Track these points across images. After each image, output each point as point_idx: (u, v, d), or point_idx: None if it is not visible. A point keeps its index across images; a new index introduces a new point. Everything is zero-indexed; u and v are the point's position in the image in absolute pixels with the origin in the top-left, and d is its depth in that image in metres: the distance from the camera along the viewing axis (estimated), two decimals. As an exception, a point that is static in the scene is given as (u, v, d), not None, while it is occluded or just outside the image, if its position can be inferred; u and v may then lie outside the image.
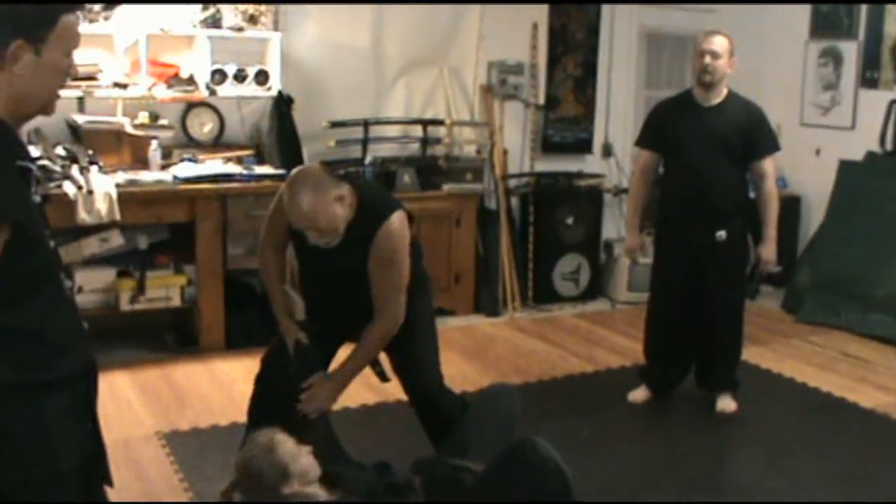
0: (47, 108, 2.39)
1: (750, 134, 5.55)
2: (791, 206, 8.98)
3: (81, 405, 2.49)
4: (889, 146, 8.16)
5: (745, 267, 5.74)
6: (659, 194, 5.84)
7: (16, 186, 2.28)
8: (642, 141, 5.86)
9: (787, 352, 7.07)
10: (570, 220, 8.19)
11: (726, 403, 5.77)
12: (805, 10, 8.90)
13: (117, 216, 6.05)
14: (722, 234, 5.52)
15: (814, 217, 8.75)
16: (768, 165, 5.60)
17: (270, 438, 3.56)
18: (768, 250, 5.62)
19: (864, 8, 8.41)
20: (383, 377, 4.41)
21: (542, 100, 8.36)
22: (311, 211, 3.86)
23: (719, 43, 5.51)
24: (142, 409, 5.61)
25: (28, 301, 2.32)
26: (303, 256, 4.26)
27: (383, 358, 4.35)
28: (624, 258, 7.82)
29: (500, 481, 3.73)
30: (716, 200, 5.50)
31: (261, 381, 4.38)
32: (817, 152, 8.88)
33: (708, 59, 5.47)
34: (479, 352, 6.86)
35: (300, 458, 3.54)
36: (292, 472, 3.48)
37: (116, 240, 6.34)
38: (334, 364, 4.31)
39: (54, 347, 2.38)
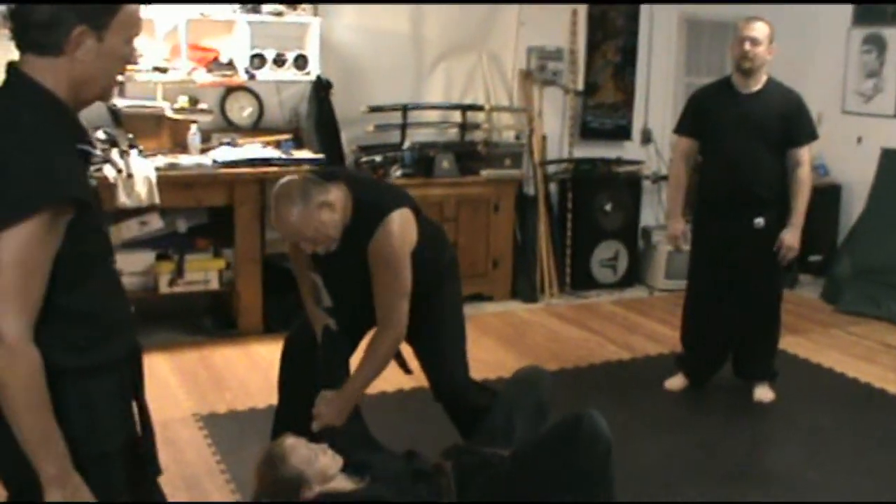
0: (106, 93, 2.42)
1: (789, 121, 5.50)
2: (831, 195, 8.92)
3: (127, 388, 2.53)
4: (932, 135, 8.08)
5: (774, 255, 5.68)
6: (697, 181, 5.81)
7: (79, 168, 2.31)
8: (681, 128, 5.82)
9: (827, 342, 7.03)
10: (608, 207, 8.17)
11: (763, 393, 5.76)
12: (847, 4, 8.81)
13: (157, 199, 6.09)
14: (760, 221, 5.48)
15: (854, 206, 8.68)
16: (805, 153, 5.55)
17: (282, 448, 3.57)
18: (792, 236, 5.55)
19: (909, -6, 8.33)
20: (405, 369, 4.37)
21: (580, 86, 8.34)
22: (297, 223, 3.73)
23: (760, 29, 5.45)
24: (180, 391, 5.65)
25: (85, 284, 2.34)
26: (314, 257, 4.17)
27: (405, 348, 4.26)
28: (663, 245, 7.80)
29: (547, 453, 3.68)
30: (754, 188, 5.47)
31: (285, 361, 4.38)
32: (859, 140, 8.80)
33: (748, 46, 5.42)
34: (515, 338, 6.86)
35: (316, 459, 3.54)
36: (310, 477, 3.49)
37: (156, 223, 6.37)
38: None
39: (107, 330, 2.41)
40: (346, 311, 4.28)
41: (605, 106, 8.49)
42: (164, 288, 6.52)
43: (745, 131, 5.45)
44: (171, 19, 6.48)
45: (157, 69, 6.46)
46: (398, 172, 7.20)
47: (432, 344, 4.26)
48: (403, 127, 7.36)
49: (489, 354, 6.32)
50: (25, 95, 2.27)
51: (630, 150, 8.61)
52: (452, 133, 7.74)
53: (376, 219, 3.84)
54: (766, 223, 5.49)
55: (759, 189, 5.48)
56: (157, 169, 6.17)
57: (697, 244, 5.81)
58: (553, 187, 8.22)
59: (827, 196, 8.91)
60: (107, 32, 2.28)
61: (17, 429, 2.23)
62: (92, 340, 2.36)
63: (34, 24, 2.23)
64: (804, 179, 5.52)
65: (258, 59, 6.70)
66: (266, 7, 6.75)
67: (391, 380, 5.23)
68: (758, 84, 5.52)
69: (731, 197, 5.52)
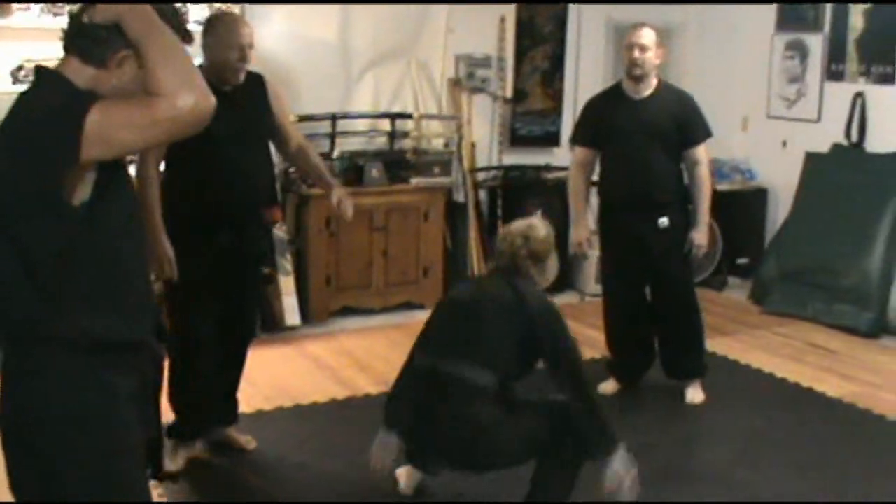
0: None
1: (683, 122, 5.63)
2: (758, 198, 9.04)
3: (149, 390, 2.65)
4: (854, 138, 8.21)
5: (687, 252, 5.75)
6: (599, 187, 5.93)
7: None
8: (576, 139, 5.96)
9: (755, 343, 7.11)
10: (538, 213, 8.19)
11: (695, 394, 5.82)
12: (772, 4, 8.94)
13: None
14: (664, 220, 5.59)
15: (780, 209, 8.80)
16: (702, 152, 5.67)
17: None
18: (700, 234, 5.66)
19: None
20: None
21: (509, 93, 8.37)
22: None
23: (647, 36, 5.56)
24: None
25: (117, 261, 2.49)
26: None
27: None
28: (593, 250, 7.85)
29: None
30: (654, 189, 5.58)
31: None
32: (784, 144, 8.92)
33: (637, 53, 5.53)
34: (448, 345, 6.84)
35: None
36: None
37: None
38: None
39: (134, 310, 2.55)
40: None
41: (534, 112, 8.52)
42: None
43: (641, 136, 5.56)
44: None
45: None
46: (328, 181, 7.17)
47: None
48: (332, 136, 7.34)
49: (422, 362, 6.32)
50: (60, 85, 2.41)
51: (559, 156, 8.64)
52: (381, 141, 7.74)
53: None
54: (670, 221, 5.60)
55: (659, 191, 5.59)
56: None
57: (606, 249, 5.94)
58: (483, 194, 8.24)
59: (753, 199, 9.03)
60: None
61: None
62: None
63: (91, 36, 2.40)
64: (703, 178, 5.64)
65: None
66: (193, 17, 6.68)
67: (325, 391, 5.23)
68: (649, 89, 5.63)
69: (632, 201, 5.62)
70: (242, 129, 4.49)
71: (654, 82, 5.63)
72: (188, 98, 2.26)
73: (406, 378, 4.25)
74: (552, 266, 4.35)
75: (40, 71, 2.47)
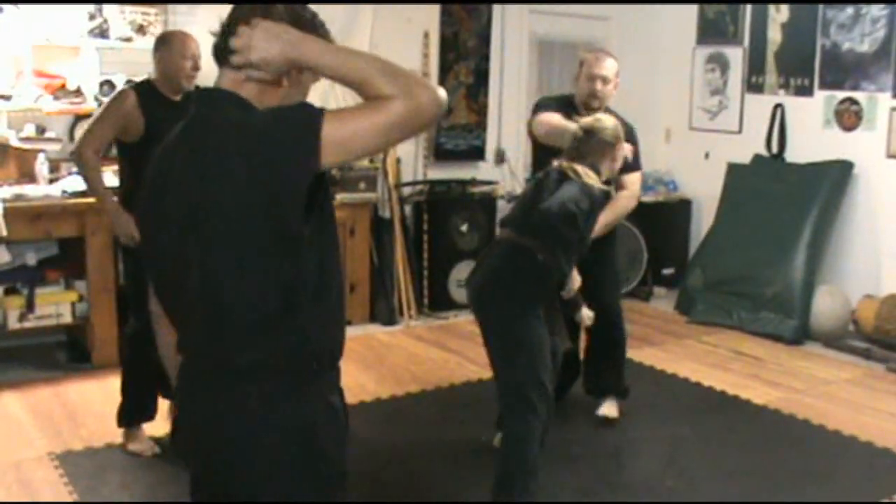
0: None
1: None
2: (681, 209, 9.16)
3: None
4: (775, 149, 8.34)
5: (616, 270, 5.69)
6: None
7: None
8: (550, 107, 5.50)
9: (681, 352, 7.18)
10: (464, 228, 8.21)
11: (609, 408, 5.71)
12: (692, 17, 9.08)
13: (3, 232, 5.91)
14: None
15: (704, 219, 8.91)
16: (628, 180, 5.46)
17: None
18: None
19: (748, 14, 8.61)
20: None
21: (434, 107, 8.35)
22: None
23: (610, 67, 5.44)
24: (33, 430, 5.47)
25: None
26: None
27: None
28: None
29: None
30: None
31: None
32: (706, 156, 9.05)
33: (599, 86, 5.41)
34: (375, 361, 6.83)
35: None
36: None
37: (3, 256, 6.20)
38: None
39: None
40: None
41: (459, 127, 8.54)
42: (13, 324, 6.33)
43: None
44: (15, 44, 6.32)
45: (0, 96, 6.29)
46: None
47: None
48: (257, 152, 7.29)
49: (349, 379, 6.23)
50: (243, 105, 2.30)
51: (484, 170, 8.67)
52: (307, 157, 7.70)
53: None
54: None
55: None
56: (4, 200, 5.99)
57: None
58: (409, 209, 8.23)
59: (677, 210, 9.14)
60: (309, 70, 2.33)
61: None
62: None
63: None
64: (619, 199, 5.37)
65: (107, 86, 6.55)
66: (114, 32, 6.63)
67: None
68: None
69: None
70: None
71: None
72: (423, 93, 2.13)
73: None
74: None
75: (207, 92, 2.37)
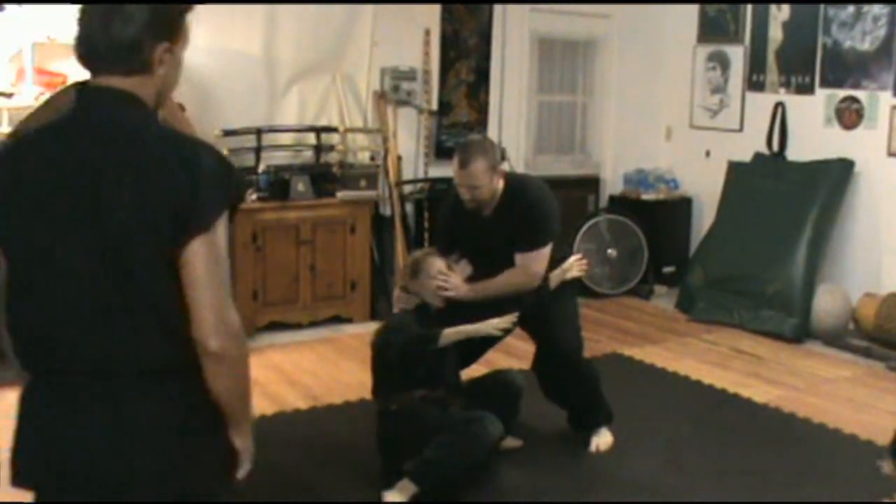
0: (167, 100, 2.53)
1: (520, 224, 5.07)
2: (682, 207, 9.15)
3: None
4: (775, 147, 8.33)
5: (576, 306, 5.41)
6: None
7: None
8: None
9: (682, 350, 7.18)
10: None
11: (602, 440, 5.35)
12: (693, 16, 9.07)
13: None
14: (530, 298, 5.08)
15: (705, 217, 8.91)
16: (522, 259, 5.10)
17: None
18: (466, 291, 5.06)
19: (749, 13, 8.60)
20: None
21: (435, 105, 8.37)
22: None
23: (474, 174, 4.92)
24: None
25: None
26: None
27: None
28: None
29: None
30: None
31: None
32: (707, 154, 9.05)
33: (467, 195, 5.01)
34: (377, 358, 6.81)
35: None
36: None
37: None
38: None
39: None
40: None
41: (460, 125, 8.53)
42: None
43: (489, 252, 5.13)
44: (16, 42, 6.31)
45: (1, 94, 6.28)
46: (253, 196, 7.12)
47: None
48: (258, 150, 7.29)
49: (350, 377, 6.26)
50: (145, 109, 2.32)
51: (485, 168, 8.66)
52: (307, 155, 7.70)
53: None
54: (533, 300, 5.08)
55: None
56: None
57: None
58: (409, 207, 8.22)
59: (678, 208, 9.13)
60: (177, 45, 2.37)
61: (243, 412, 2.40)
62: None
63: (119, 48, 2.27)
64: (520, 271, 5.04)
65: (107, 84, 6.54)
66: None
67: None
68: (492, 207, 5.10)
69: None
70: None
71: (496, 199, 5.07)
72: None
73: None
74: None
75: (105, 91, 2.30)
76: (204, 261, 2.17)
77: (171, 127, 2.36)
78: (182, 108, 6.68)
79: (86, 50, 2.31)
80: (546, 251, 5.04)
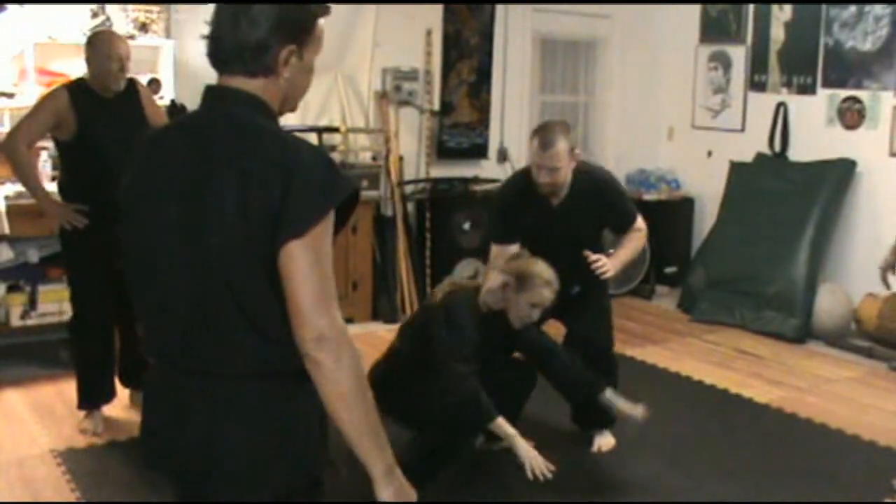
0: (296, 106, 2.50)
1: (606, 212, 5.20)
2: (684, 207, 9.15)
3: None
4: (777, 147, 8.34)
5: (610, 303, 5.47)
6: None
7: None
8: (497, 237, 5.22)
9: (683, 350, 7.18)
10: (466, 226, 8.20)
11: (604, 441, 5.39)
12: (695, 16, 9.07)
13: (6, 229, 5.92)
14: (577, 288, 5.13)
15: (706, 217, 8.91)
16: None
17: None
18: (611, 262, 5.00)
19: (751, 13, 8.60)
20: None
21: (436, 105, 8.37)
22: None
23: (556, 155, 4.80)
24: (36, 427, 5.47)
25: None
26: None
27: None
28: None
29: None
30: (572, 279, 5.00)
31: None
32: (709, 154, 9.05)
33: (546, 178, 4.88)
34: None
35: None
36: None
37: (5, 253, 6.19)
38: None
39: None
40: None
41: (462, 125, 8.54)
42: (15, 321, 6.33)
43: (559, 240, 5.03)
44: (18, 42, 6.32)
45: (3, 94, 6.29)
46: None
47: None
48: (259, 150, 7.29)
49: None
50: (264, 111, 2.33)
51: (487, 168, 8.67)
52: (309, 155, 7.70)
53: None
54: (580, 288, 5.15)
55: (576, 279, 5.04)
56: (6, 197, 6.00)
57: None
58: (411, 207, 8.22)
59: (680, 208, 9.13)
60: (305, 49, 2.37)
61: (350, 424, 2.25)
62: None
63: (244, 49, 2.29)
64: (635, 234, 5.23)
65: (109, 84, 6.55)
66: (117, 29, 6.60)
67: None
68: (558, 199, 5.06)
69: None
70: (124, 131, 4.86)
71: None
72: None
73: None
74: None
75: (233, 92, 2.34)
76: (299, 266, 2.16)
77: (289, 132, 2.32)
78: (183, 107, 6.74)
79: (213, 49, 2.36)
80: (641, 218, 5.33)
